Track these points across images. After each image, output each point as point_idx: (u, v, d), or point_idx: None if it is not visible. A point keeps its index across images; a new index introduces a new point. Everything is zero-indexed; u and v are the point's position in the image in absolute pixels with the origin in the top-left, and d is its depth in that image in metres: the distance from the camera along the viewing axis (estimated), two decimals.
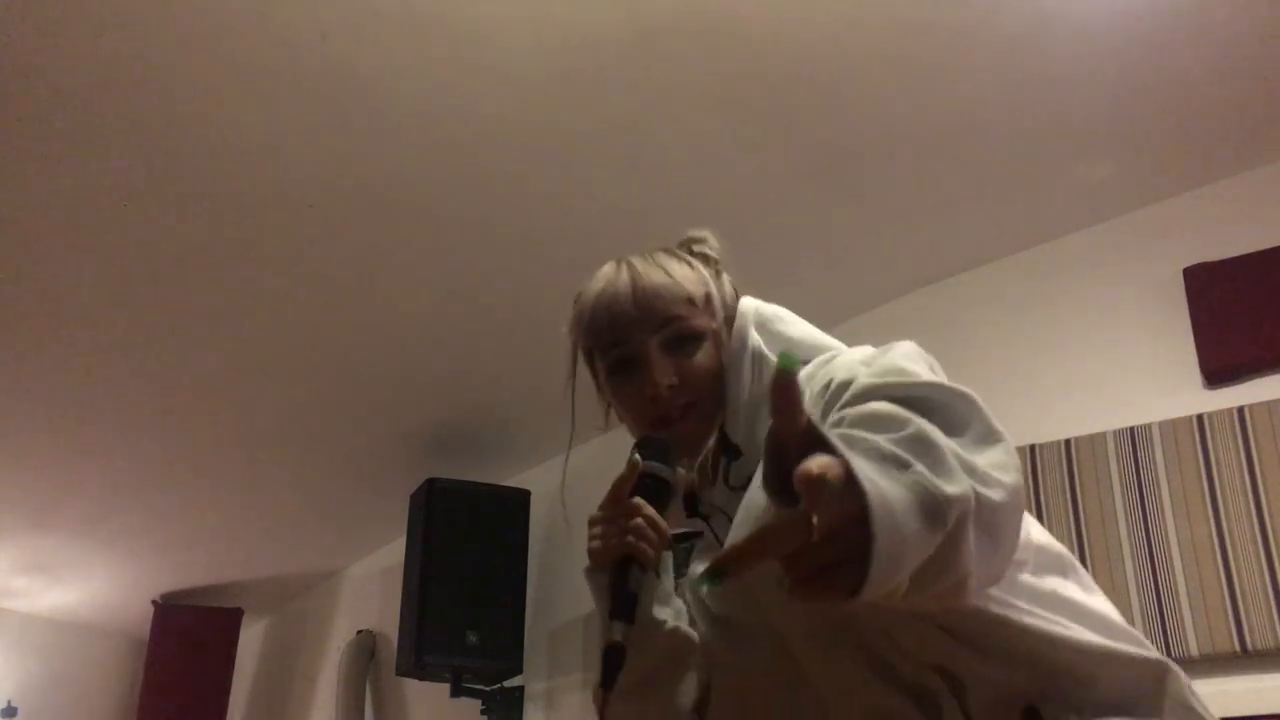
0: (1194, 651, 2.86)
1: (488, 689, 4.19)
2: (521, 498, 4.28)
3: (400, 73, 2.74)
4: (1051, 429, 3.24)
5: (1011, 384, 3.32)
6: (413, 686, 4.46)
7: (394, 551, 4.56)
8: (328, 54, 2.66)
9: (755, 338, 1.27)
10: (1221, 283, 3.16)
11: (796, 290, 4.13)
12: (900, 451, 0.83)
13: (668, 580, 1.29)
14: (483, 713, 4.21)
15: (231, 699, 5.13)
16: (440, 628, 3.95)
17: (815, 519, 0.73)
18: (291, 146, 2.94)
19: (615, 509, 1.24)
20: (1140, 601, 2.95)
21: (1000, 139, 3.09)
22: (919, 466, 0.82)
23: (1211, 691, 3.01)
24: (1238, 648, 2.82)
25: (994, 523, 0.87)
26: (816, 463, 0.73)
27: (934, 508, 0.80)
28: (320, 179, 3.05)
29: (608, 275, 1.36)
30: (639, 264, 1.32)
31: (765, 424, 0.97)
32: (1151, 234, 3.36)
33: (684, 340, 1.28)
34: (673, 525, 1.25)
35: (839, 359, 1.18)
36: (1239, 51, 2.82)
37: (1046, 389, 3.34)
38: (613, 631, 1.14)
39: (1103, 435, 3.18)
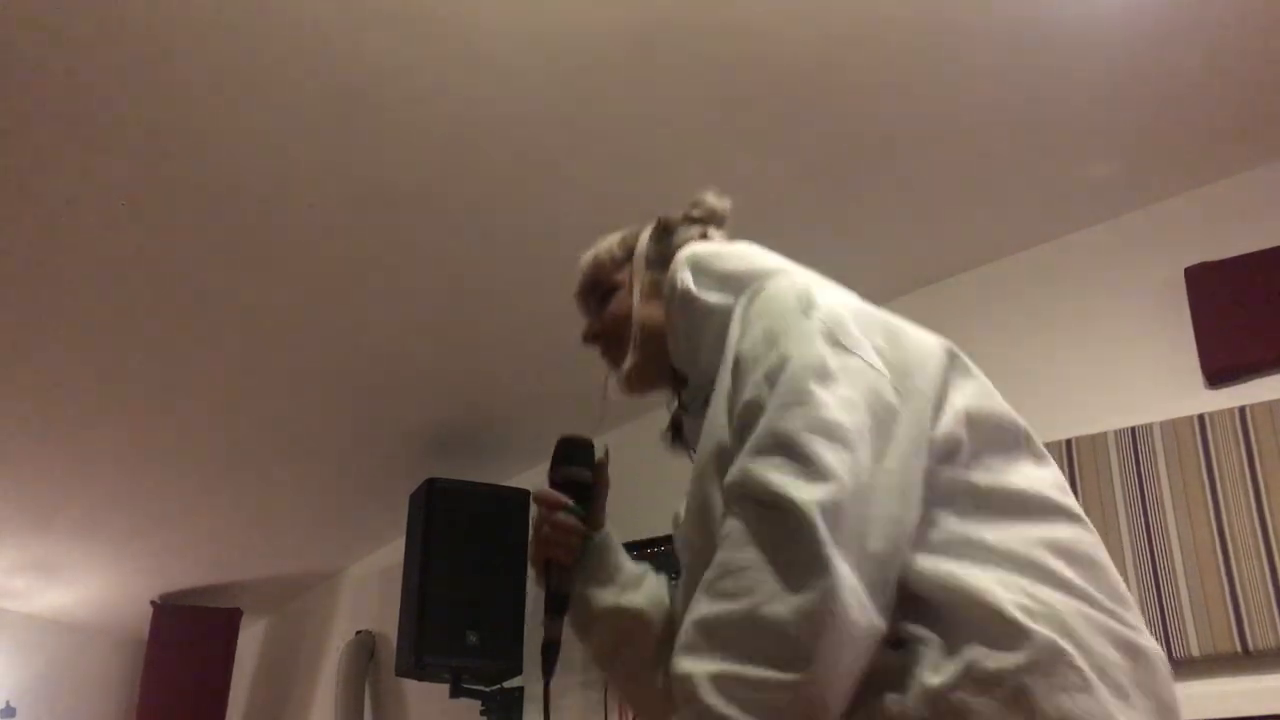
0: (1194, 651, 2.86)
1: (487, 689, 4.19)
2: (521, 498, 4.27)
3: (400, 73, 2.73)
4: (1052, 429, 3.24)
5: (1012, 384, 3.30)
6: (412, 687, 4.46)
7: (394, 551, 4.55)
8: (328, 54, 2.66)
9: (683, 277, 1.37)
10: (1222, 283, 3.16)
11: None
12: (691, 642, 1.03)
13: (612, 559, 1.42)
14: (482, 713, 4.21)
15: (231, 699, 5.12)
16: (440, 628, 3.94)
17: None
18: (291, 147, 2.94)
19: (533, 525, 1.39)
20: (1141, 601, 2.95)
21: (1000, 139, 3.09)
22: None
23: (1212, 691, 3.03)
24: (1238, 648, 2.82)
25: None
26: None
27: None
28: (320, 179, 3.05)
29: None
30: (604, 240, 1.59)
31: (705, 351, 1.29)
32: (1152, 234, 3.36)
33: (595, 297, 1.54)
34: None
35: (748, 338, 1.22)
36: (1239, 52, 2.82)
37: (1047, 389, 3.33)
38: (546, 629, 1.33)
39: (1104, 435, 3.18)
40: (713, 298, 1.33)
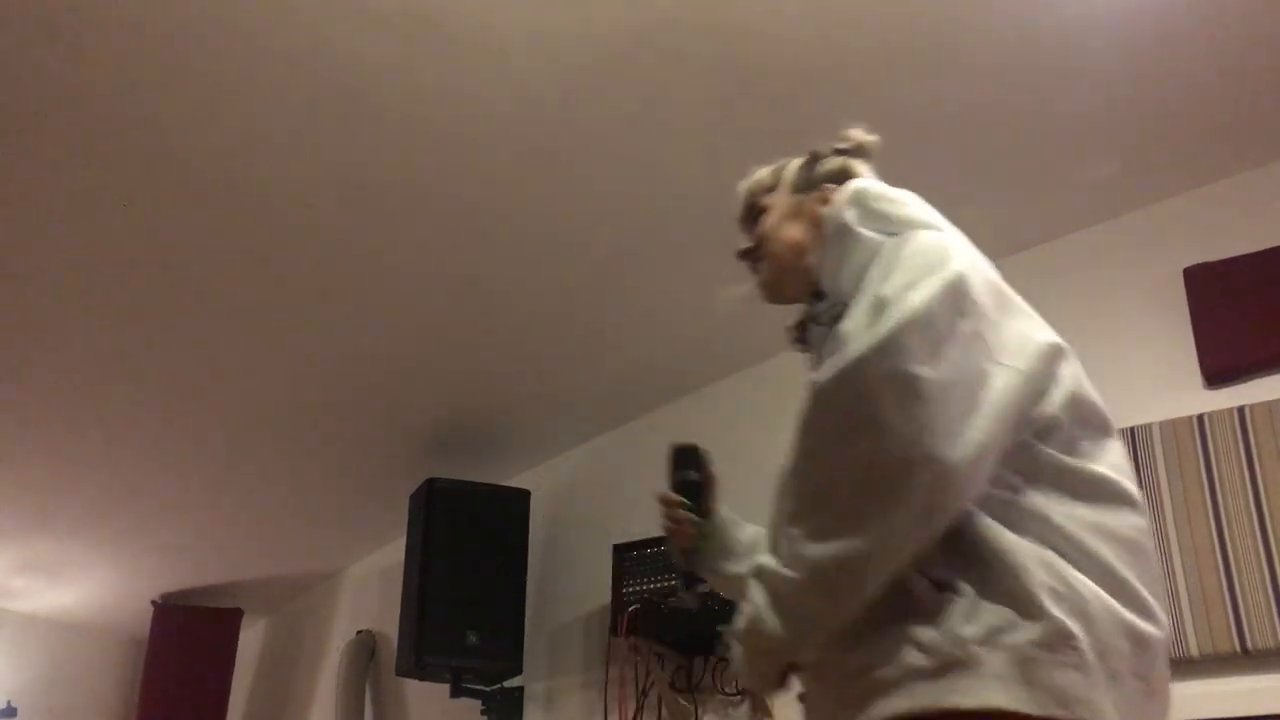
0: (1194, 652, 2.86)
1: (488, 689, 4.19)
2: (521, 498, 4.27)
3: (401, 72, 2.74)
4: None
5: None
6: (413, 686, 4.46)
7: (394, 551, 4.56)
8: (328, 54, 2.66)
9: (845, 210, 1.55)
10: (1221, 283, 3.16)
11: None
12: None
13: (728, 537, 1.71)
14: (483, 713, 4.21)
15: (231, 699, 5.13)
16: (440, 628, 3.95)
17: None
18: (291, 146, 2.94)
19: (664, 517, 1.70)
20: None
21: (1000, 139, 3.09)
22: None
23: (1211, 691, 3.02)
24: (1238, 648, 2.82)
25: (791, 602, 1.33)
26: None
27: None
28: (320, 179, 3.05)
29: None
30: (763, 169, 1.80)
31: (845, 276, 1.48)
32: (1151, 234, 3.36)
33: (752, 216, 1.74)
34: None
35: (889, 283, 1.36)
36: (1240, 52, 2.82)
37: None
38: (681, 599, 1.79)
39: None
40: (865, 232, 1.51)
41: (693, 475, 1.71)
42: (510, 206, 3.23)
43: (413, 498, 4.25)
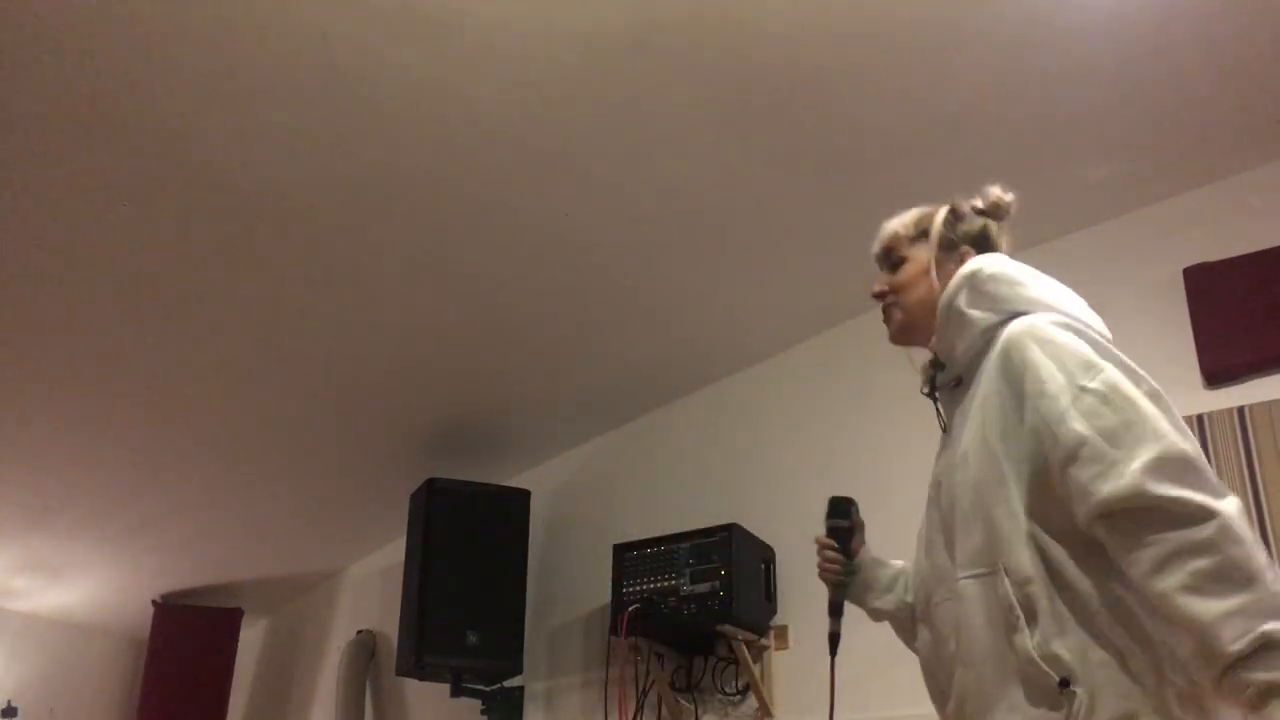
0: None
1: (488, 689, 4.19)
2: (521, 498, 4.28)
3: (401, 72, 2.74)
4: None
5: None
6: (413, 686, 4.47)
7: (394, 551, 4.56)
8: (328, 54, 2.66)
9: (959, 296, 1.71)
10: (1221, 283, 3.16)
11: (794, 290, 4.14)
12: None
13: (868, 575, 1.97)
14: (483, 713, 4.21)
15: (231, 699, 5.13)
16: (440, 628, 3.95)
17: None
18: (292, 146, 2.94)
19: (819, 555, 1.99)
20: None
21: (999, 139, 3.09)
22: None
23: None
24: None
25: None
26: None
27: None
28: (320, 179, 3.05)
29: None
30: (902, 215, 1.92)
31: (960, 350, 1.71)
32: (1151, 234, 3.36)
33: (890, 261, 1.87)
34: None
35: (1046, 383, 1.57)
36: (1239, 52, 2.82)
37: None
38: (831, 625, 1.95)
39: None
40: (976, 313, 1.69)
41: (843, 522, 1.99)
42: (511, 206, 3.23)
43: (413, 498, 4.26)
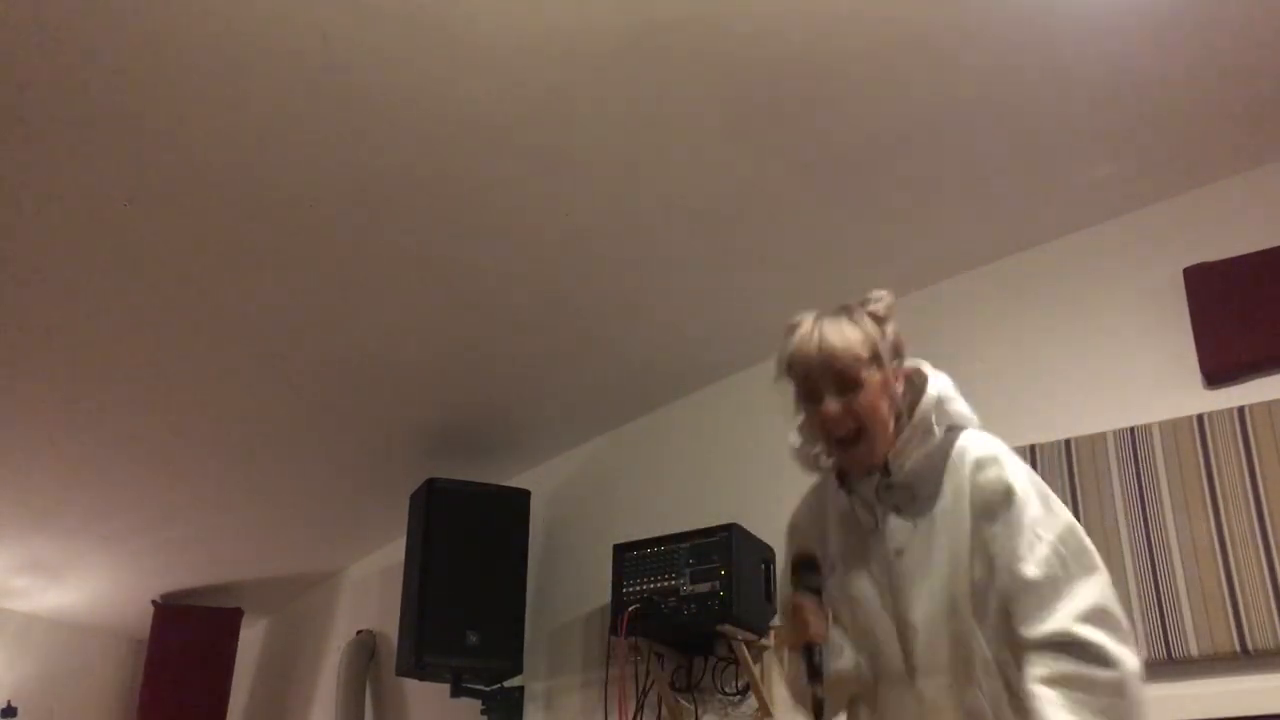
0: (1194, 651, 2.86)
1: (488, 689, 4.19)
2: (521, 498, 4.27)
3: (401, 73, 2.74)
4: (1051, 429, 3.24)
5: (1011, 384, 3.32)
6: (413, 686, 4.46)
7: (394, 551, 4.56)
8: (328, 54, 2.66)
9: (931, 416, 1.82)
10: (1221, 283, 3.16)
11: (794, 290, 4.12)
12: None
13: (837, 638, 1.89)
14: (483, 713, 4.21)
15: (231, 699, 5.12)
16: (440, 628, 3.95)
17: None
18: (292, 146, 2.94)
19: (796, 616, 1.86)
20: (1140, 601, 2.95)
21: (1000, 140, 3.10)
22: None
23: (1212, 691, 3.01)
24: (1238, 648, 2.82)
25: None
26: None
27: None
28: (320, 179, 3.05)
29: (803, 333, 1.85)
30: (827, 327, 1.82)
31: (924, 470, 1.81)
32: (1151, 234, 3.36)
33: (848, 386, 1.80)
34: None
35: (1018, 490, 1.78)
36: (1239, 52, 2.82)
37: (1046, 389, 3.33)
38: (816, 691, 1.81)
39: (1103, 435, 3.18)
40: (938, 429, 1.83)
41: (818, 581, 1.89)
42: (511, 206, 3.22)
43: (413, 498, 4.25)
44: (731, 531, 3.55)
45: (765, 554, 3.70)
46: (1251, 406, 3.01)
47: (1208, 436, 3.03)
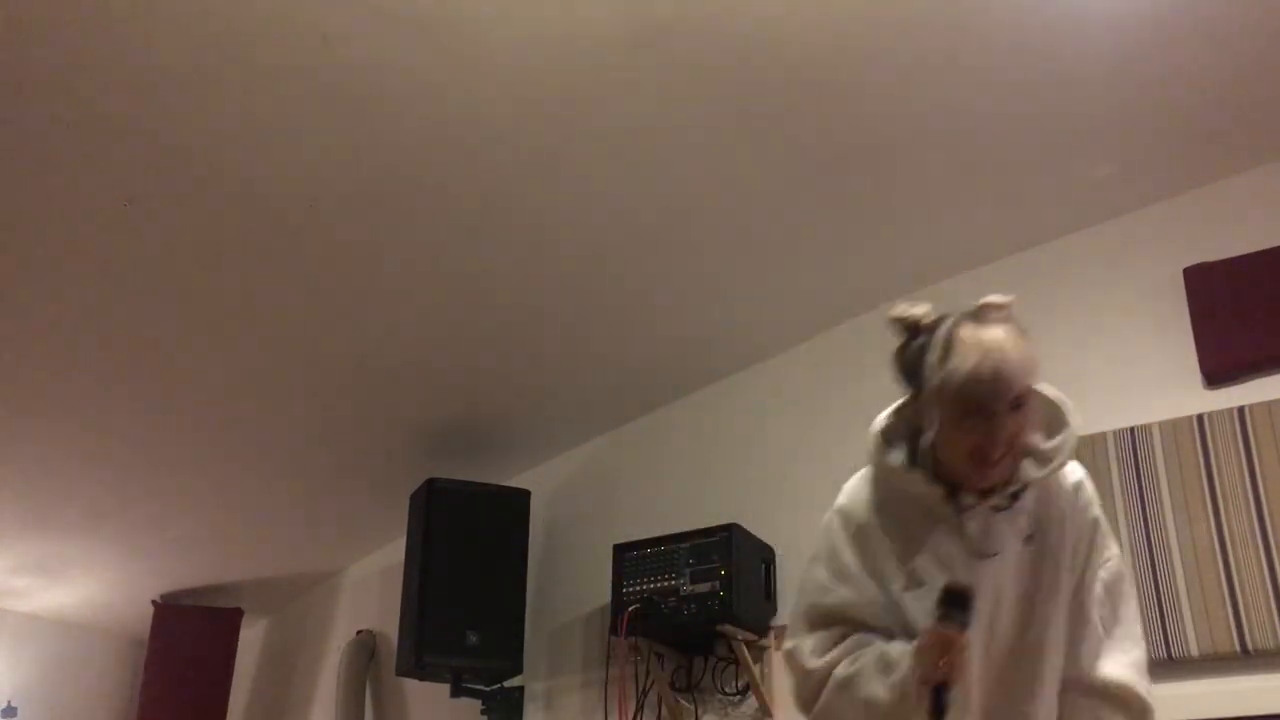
0: (1194, 652, 2.86)
1: (488, 689, 4.19)
2: (521, 498, 4.27)
3: (401, 73, 2.74)
4: None
5: None
6: (413, 686, 4.46)
7: (394, 551, 4.56)
8: (329, 54, 2.66)
9: (1073, 446, 1.81)
10: (1221, 283, 3.16)
11: (794, 290, 4.13)
12: None
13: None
14: (483, 713, 4.21)
15: (231, 699, 5.12)
16: (440, 628, 3.95)
17: None
18: (293, 146, 2.94)
19: (944, 651, 1.65)
20: (1140, 602, 2.94)
21: (1000, 139, 3.10)
22: None
23: (1212, 691, 3.01)
24: (1238, 648, 2.82)
25: None
26: None
27: None
28: (321, 179, 3.05)
29: (983, 351, 1.67)
30: (1007, 345, 1.68)
31: (1045, 502, 1.80)
32: (1151, 234, 3.36)
33: (1016, 406, 1.69)
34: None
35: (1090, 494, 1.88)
36: (1239, 52, 2.82)
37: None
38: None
39: (1103, 435, 3.18)
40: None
41: (965, 620, 1.70)
42: (511, 206, 3.22)
43: (413, 498, 4.25)
44: (731, 531, 3.55)
45: (765, 554, 3.70)
46: (1251, 406, 3.01)
47: (1208, 436, 3.03)
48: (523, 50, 2.70)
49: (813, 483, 3.75)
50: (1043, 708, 1.75)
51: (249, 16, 2.54)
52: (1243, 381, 3.08)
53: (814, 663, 1.78)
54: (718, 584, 3.48)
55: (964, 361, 1.66)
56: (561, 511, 4.43)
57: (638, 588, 3.62)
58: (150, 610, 5.09)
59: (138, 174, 2.95)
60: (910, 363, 1.76)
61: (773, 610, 3.67)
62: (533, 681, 4.22)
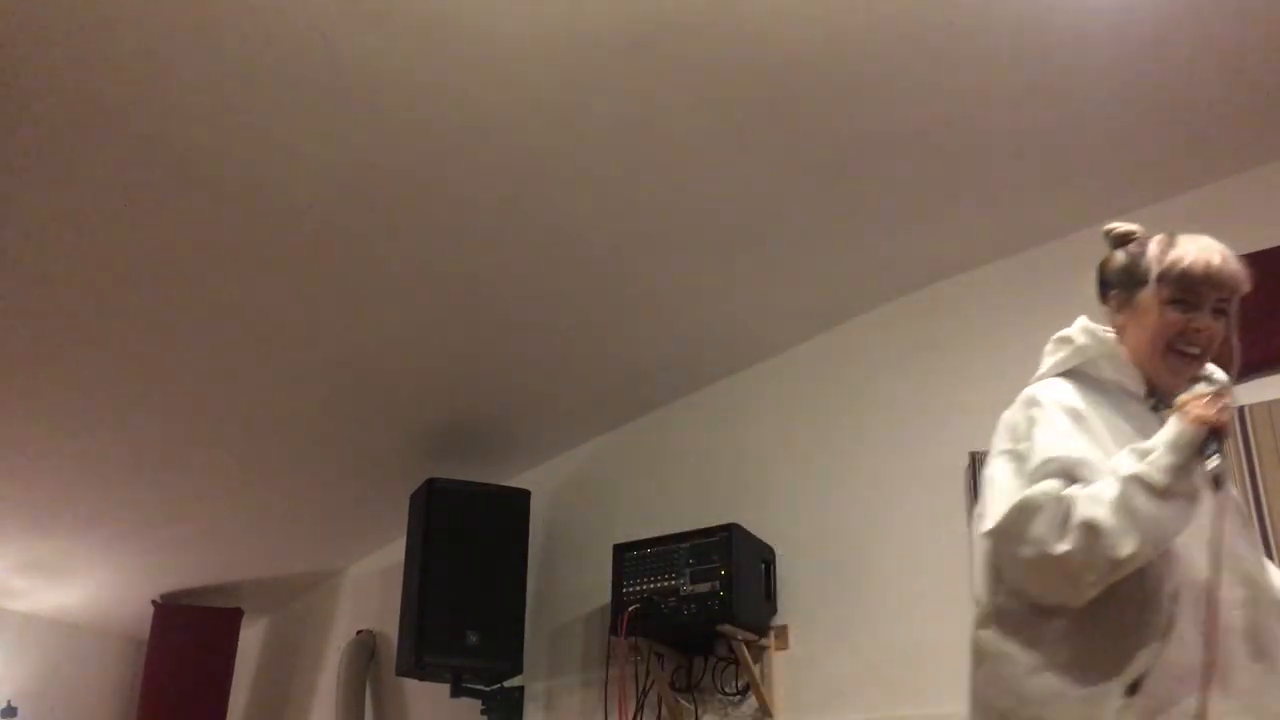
0: None
1: (488, 689, 4.19)
2: (521, 498, 4.28)
3: (401, 73, 2.74)
4: None
5: (1012, 384, 3.31)
6: (413, 686, 4.46)
7: (394, 551, 4.56)
8: (329, 55, 2.66)
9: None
10: None
11: (794, 290, 4.13)
12: None
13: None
14: (483, 713, 4.21)
15: (231, 699, 5.13)
16: (440, 628, 3.95)
17: None
18: (292, 146, 2.94)
19: (1223, 397, 1.75)
20: None
21: (1000, 139, 3.09)
22: None
23: None
24: None
25: None
26: None
27: None
28: (321, 179, 3.05)
29: (1204, 245, 1.86)
30: (1228, 252, 1.86)
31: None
32: (1151, 234, 3.35)
33: (1220, 311, 1.86)
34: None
35: None
36: (1239, 53, 2.82)
37: None
38: (1218, 464, 1.67)
39: None
40: None
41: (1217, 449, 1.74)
42: (510, 207, 3.23)
43: (413, 498, 4.26)
44: (731, 531, 3.55)
45: (765, 554, 3.70)
46: (1251, 406, 3.01)
47: None
48: (523, 50, 2.70)
49: (813, 483, 3.76)
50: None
51: (249, 17, 2.54)
52: (1243, 381, 3.07)
53: (1067, 491, 1.66)
54: (718, 584, 3.48)
55: (1188, 250, 1.83)
56: (561, 511, 4.43)
57: (638, 588, 3.63)
58: (150, 610, 5.09)
59: (136, 174, 2.95)
60: (1125, 263, 1.89)
61: (773, 610, 3.67)
62: (533, 681, 4.22)
